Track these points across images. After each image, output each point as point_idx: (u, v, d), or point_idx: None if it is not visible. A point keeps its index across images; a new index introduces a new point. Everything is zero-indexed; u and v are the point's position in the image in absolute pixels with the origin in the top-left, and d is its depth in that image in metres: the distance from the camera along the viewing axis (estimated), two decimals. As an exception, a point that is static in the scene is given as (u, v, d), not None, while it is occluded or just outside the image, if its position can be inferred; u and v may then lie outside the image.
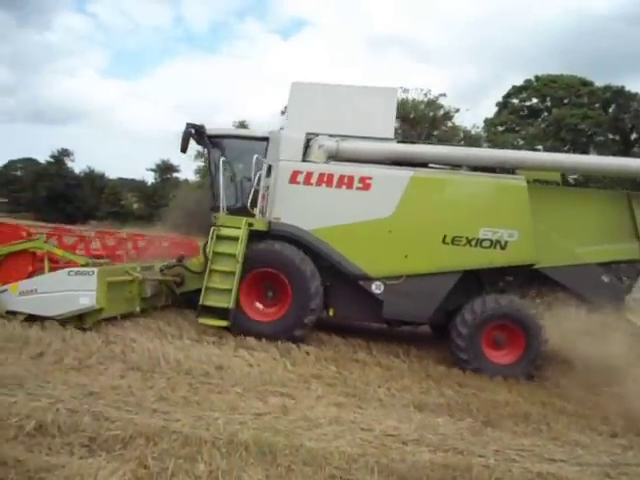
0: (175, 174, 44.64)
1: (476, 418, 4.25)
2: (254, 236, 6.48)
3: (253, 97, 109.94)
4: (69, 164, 46.28)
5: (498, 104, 36.05)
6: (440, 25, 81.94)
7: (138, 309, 6.40)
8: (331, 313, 6.78)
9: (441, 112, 27.74)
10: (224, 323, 6.11)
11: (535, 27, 65.77)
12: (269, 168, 6.78)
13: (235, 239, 6.26)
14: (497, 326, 6.15)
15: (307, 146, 6.81)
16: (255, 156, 6.80)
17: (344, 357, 5.81)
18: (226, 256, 6.33)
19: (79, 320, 5.53)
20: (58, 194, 41.30)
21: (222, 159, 7.05)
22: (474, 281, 6.55)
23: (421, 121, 26.56)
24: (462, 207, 6.49)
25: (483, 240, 6.36)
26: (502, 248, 6.34)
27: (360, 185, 6.62)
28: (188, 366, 4.61)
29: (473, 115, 61.87)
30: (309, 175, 6.68)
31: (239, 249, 6.21)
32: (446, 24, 79.90)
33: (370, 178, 6.59)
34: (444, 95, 28.23)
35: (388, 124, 7.08)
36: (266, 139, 7.03)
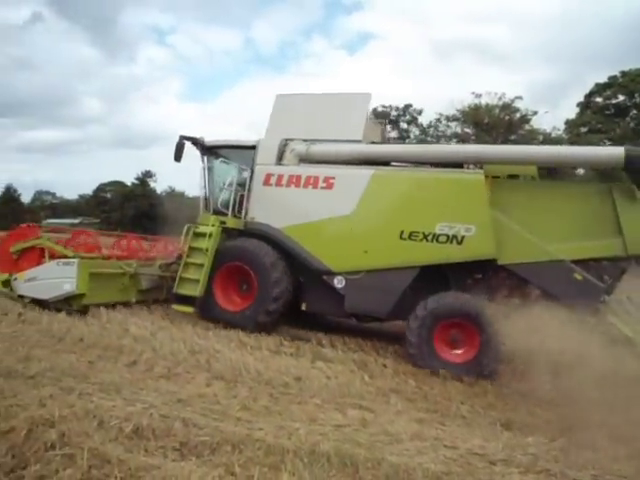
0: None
1: (569, 438, 3.95)
2: (238, 236, 7.28)
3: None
4: (152, 184, 49.69)
5: (579, 104, 33.91)
6: (511, 26, 78.89)
7: (134, 300, 7.26)
8: (304, 307, 7.13)
9: (517, 116, 26.59)
10: (190, 309, 6.85)
11: (615, 21, 61.33)
12: (251, 173, 7.37)
13: (210, 235, 6.96)
14: (452, 324, 5.98)
15: (282, 151, 7.32)
16: (234, 164, 7.56)
17: (423, 371, 5.65)
18: (199, 250, 6.99)
19: (68, 303, 6.50)
20: (142, 213, 44.40)
21: (215, 166, 7.79)
22: (441, 278, 6.42)
23: (496, 126, 25.62)
24: (419, 203, 6.56)
25: (439, 235, 6.35)
26: (459, 243, 6.27)
27: (324, 185, 6.97)
28: (268, 377, 4.72)
29: (553, 117, 58.65)
30: (280, 177, 7.20)
31: (209, 244, 6.88)
32: (517, 24, 76.75)
33: (333, 178, 6.93)
34: (520, 98, 27.13)
35: (358, 127, 7.21)
36: (254, 147, 7.49)
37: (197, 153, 7.89)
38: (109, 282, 6.95)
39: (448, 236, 6.32)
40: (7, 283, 6.93)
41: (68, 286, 6.50)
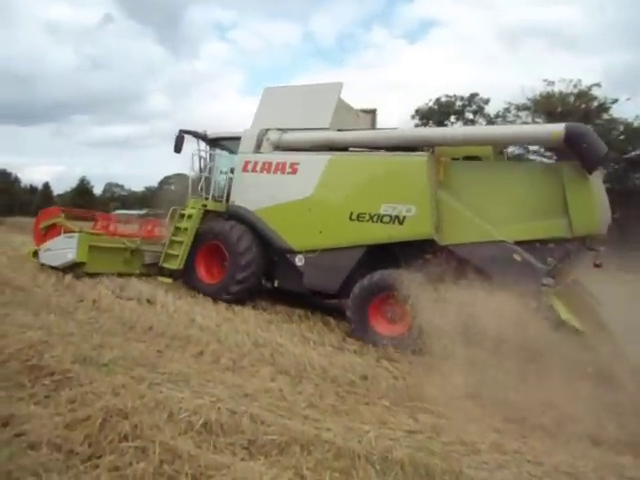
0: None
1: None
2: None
3: (381, 104, 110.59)
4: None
5: (666, 90, 31.11)
6: (584, 7, 73.48)
7: (137, 272, 8.28)
8: (276, 284, 7.79)
9: (595, 104, 24.77)
10: (169, 280, 8.06)
11: None
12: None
13: (189, 217, 7.99)
14: (386, 298, 6.28)
15: (260, 140, 7.98)
16: (219, 152, 8.67)
17: (500, 374, 5.29)
18: (183, 230, 7.99)
19: (74, 270, 7.63)
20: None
21: (216, 156, 8.70)
22: (392, 258, 6.57)
23: (571, 115, 24.00)
24: (367, 185, 6.89)
25: (384, 216, 6.64)
26: (400, 223, 6.53)
27: (290, 170, 7.56)
28: (333, 374, 4.59)
29: (635, 105, 54.21)
30: (256, 164, 7.90)
31: (189, 224, 7.90)
32: (591, 5, 71.36)
33: (298, 163, 7.51)
34: (598, 85, 25.22)
35: (326, 115, 7.61)
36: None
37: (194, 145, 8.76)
38: (112, 255, 8.12)
39: (391, 216, 6.61)
40: (35, 253, 8.36)
41: (70, 255, 7.72)
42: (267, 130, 7.99)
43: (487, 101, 31.21)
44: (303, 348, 5.42)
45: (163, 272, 8.19)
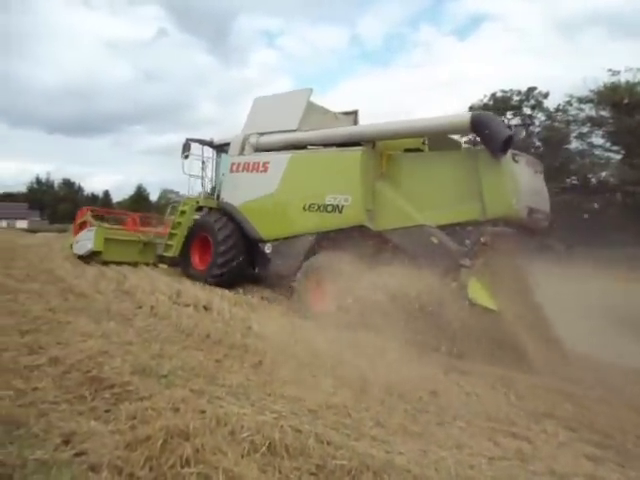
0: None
1: None
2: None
3: (432, 103, 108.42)
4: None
5: None
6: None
7: (151, 261, 9.92)
8: (256, 270, 8.77)
9: (667, 93, 22.96)
10: (165, 266, 9.86)
11: None
12: None
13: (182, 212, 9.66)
14: (320, 280, 7.17)
15: (244, 144, 9.10)
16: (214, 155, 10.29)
17: (580, 392, 4.80)
18: (178, 224, 9.56)
19: (93, 258, 9.40)
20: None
21: (220, 160, 10.10)
22: (338, 244, 7.15)
23: (639, 106, 22.35)
24: (315, 178, 7.74)
25: (328, 205, 7.42)
26: (340, 212, 7.26)
27: (263, 169, 8.60)
28: (400, 389, 4.25)
29: None
30: (239, 165, 9.06)
31: (182, 219, 9.53)
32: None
33: (268, 162, 8.55)
34: (671, 73, 23.35)
35: (295, 118, 8.44)
36: None
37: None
38: (127, 246, 9.75)
39: (333, 206, 7.38)
40: (72, 245, 10.17)
41: (89, 245, 9.49)
42: (249, 135, 9.09)
43: (546, 95, 29.59)
44: (364, 359, 5.11)
45: (163, 260, 9.90)
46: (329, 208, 7.42)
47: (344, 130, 7.96)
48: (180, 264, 9.53)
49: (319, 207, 7.56)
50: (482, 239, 6.05)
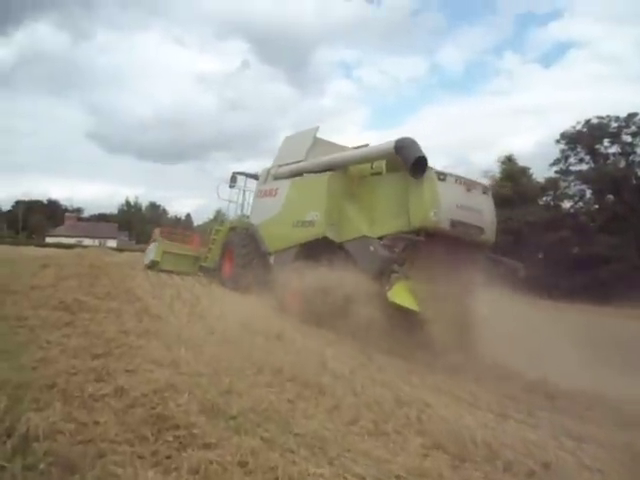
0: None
1: None
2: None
3: (514, 131, 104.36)
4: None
5: None
6: None
7: (196, 272, 12.48)
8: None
9: None
10: (201, 274, 12.42)
11: None
12: None
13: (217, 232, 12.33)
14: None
15: (267, 174, 10.91)
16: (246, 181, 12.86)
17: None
18: (215, 241, 12.16)
19: (154, 267, 12.02)
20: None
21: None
22: (316, 254, 8.18)
23: None
24: (301, 199, 9.22)
25: (306, 221, 8.75)
26: (312, 226, 8.60)
27: (274, 194, 10.21)
28: (505, 456, 3.52)
29: None
30: (261, 191, 10.94)
31: (217, 237, 12.07)
32: None
33: (277, 189, 10.16)
34: None
35: (302, 151, 9.92)
36: None
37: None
38: (180, 259, 12.41)
39: (309, 221, 8.73)
40: None
41: (152, 255, 12.34)
42: (272, 166, 10.83)
43: (648, 122, 27.16)
44: (456, 412, 4.45)
45: (202, 269, 12.34)
46: (307, 223, 8.83)
47: (325, 159, 9.26)
48: (215, 273, 11.62)
49: (302, 223, 8.96)
50: (402, 246, 7.09)
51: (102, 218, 79.02)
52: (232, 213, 12.94)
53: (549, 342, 7.48)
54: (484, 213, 7.53)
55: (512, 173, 33.59)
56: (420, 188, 7.03)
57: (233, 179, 12.43)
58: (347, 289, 6.79)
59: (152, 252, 12.32)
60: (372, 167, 8.51)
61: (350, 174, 8.61)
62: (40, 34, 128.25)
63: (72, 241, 45.65)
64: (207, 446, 2.78)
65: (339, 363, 5.35)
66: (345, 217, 8.19)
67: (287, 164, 10.16)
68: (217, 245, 11.73)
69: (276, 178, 10.37)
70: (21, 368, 3.58)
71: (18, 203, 75.69)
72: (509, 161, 34.36)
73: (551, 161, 33.47)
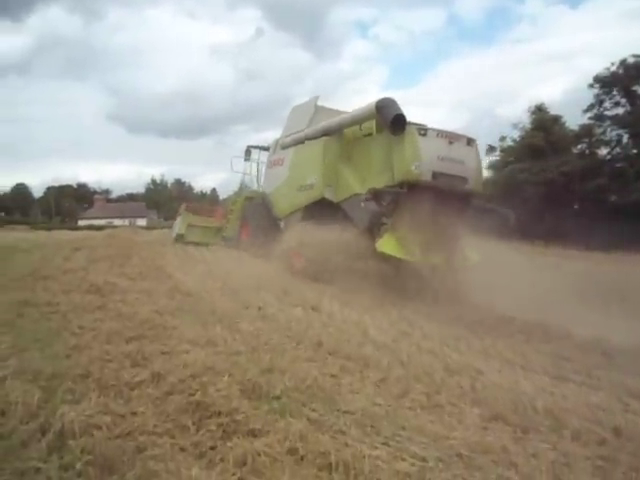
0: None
1: None
2: None
3: (541, 80, 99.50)
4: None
5: None
6: None
7: (218, 240, 13.12)
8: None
9: None
10: (223, 243, 12.85)
11: None
12: None
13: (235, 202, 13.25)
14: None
15: (276, 145, 11.53)
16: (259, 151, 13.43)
17: None
18: (232, 211, 13.01)
19: (181, 239, 13.34)
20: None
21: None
22: (319, 215, 8.93)
23: None
24: (303, 165, 9.82)
25: (308, 185, 9.40)
26: (312, 189, 9.30)
27: (281, 163, 10.86)
28: (571, 424, 3.25)
29: None
30: (271, 161, 11.70)
31: (235, 207, 12.90)
32: None
33: (284, 158, 10.80)
34: None
35: (305, 120, 10.42)
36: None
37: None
38: (204, 231, 13.39)
39: (310, 185, 9.25)
40: None
41: (177, 229, 13.79)
42: (280, 137, 11.39)
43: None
44: (510, 377, 4.17)
45: (224, 240, 12.88)
46: (308, 187, 9.35)
47: (320, 125, 9.69)
48: (234, 240, 12.29)
49: (304, 187, 9.49)
50: (388, 200, 7.49)
51: (130, 198, 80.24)
52: (254, 185, 13.52)
53: (592, 297, 7.38)
54: (467, 163, 7.84)
55: (543, 123, 32.01)
56: (402, 144, 7.50)
57: (247, 153, 13.16)
58: (342, 245, 7.43)
59: (177, 226, 13.76)
60: (361, 129, 8.91)
61: (345, 137, 9.04)
62: (52, 17, 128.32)
63: (103, 222, 46.57)
64: (252, 433, 2.59)
65: (380, 332, 5.11)
66: (341, 178, 8.66)
67: (292, 134, 10.66)
68: (235, 215, 12.54)
69: (283, 148, 10.95)
70: (54, 357, 3.46)
71: (49, 189, 77.52)
72: (539, 111, 32.70)
73: (582, 108, 31.71)
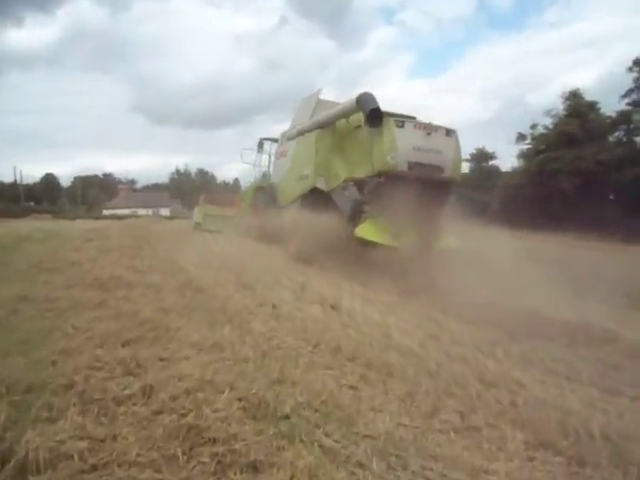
0: (492, 162, 43.01)
1: None
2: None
3: (573, 66, 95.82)
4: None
5: None
6: None
7: (232, 227, 13.28)
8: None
9: None
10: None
11: None
12: None
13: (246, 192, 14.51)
14: None
15: (283, 137, 12.09)
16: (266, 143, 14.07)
17: None
18: (243, 200, 14.12)
19: (199, 227, 14.86)
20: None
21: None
22: (315, 204, 9.37)
23: None
24: (301, 156, 10.53)
25: (303, 175, 10.04)
26: (307, 179, 9.89)
27: (285, 155, 11.53)
28: (634, 456, 2.72)
29: None
30: (278, 153, 12.40)
31: (247, 196, 13.87)
32: None
33: (287, 149, 11.50)
34: None
35: (308, 112, 10.94)
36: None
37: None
38: (219, 219, 14.08)
39: (305, 175, 9.90)
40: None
41: (196, 218, 15.19)
42: (287, 130, 11.77)
43: None
44: (556, 391, 3.63)
45: (237, 227, 13.01)
46: (304, 177, 9.82)
47: (315, 119, 10.19)
48: (246, 228, 12.43)
49: (301, 177, 9.96)
50: (369, 189, 7.97)
51: (156, 188, 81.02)
52: (274, 176, 13.56)
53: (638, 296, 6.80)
54: (445, 153, 8.18)
55: (578, 109, 30.56)
56: (380, 136, 7.93)
57: (260, 145, 13.78)
58: (327, 231, 7.93)
59: (196, 215, 15.26)
60: (348, 122, 9.31)
61: (338, 130, 9.44)
62: (81, 10, 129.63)
63: (127, 212, 46.99)
64: (253, 466, 2.17)
65: (405, 335, 4.61)
66: (332, 168, 9.09)
67: (297, 126, 11.09)
68: (246, 204, 13.32)
69: (288, 140, 11.45)
70: (38, 363, 3.09)
71: (76, 179, 78.88)
72: (574, 97, 31.24)
73: (618, 95, 30.12)
